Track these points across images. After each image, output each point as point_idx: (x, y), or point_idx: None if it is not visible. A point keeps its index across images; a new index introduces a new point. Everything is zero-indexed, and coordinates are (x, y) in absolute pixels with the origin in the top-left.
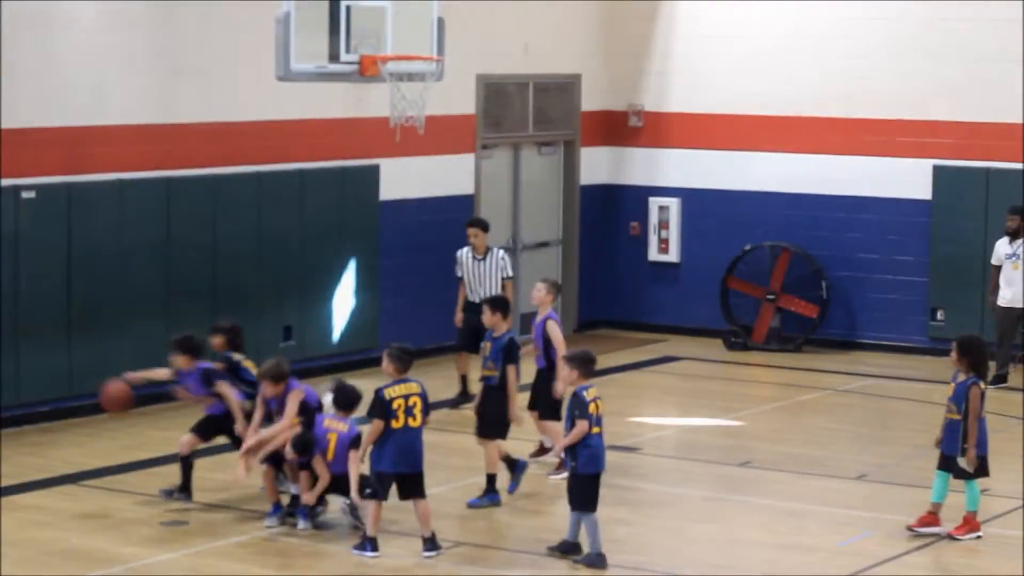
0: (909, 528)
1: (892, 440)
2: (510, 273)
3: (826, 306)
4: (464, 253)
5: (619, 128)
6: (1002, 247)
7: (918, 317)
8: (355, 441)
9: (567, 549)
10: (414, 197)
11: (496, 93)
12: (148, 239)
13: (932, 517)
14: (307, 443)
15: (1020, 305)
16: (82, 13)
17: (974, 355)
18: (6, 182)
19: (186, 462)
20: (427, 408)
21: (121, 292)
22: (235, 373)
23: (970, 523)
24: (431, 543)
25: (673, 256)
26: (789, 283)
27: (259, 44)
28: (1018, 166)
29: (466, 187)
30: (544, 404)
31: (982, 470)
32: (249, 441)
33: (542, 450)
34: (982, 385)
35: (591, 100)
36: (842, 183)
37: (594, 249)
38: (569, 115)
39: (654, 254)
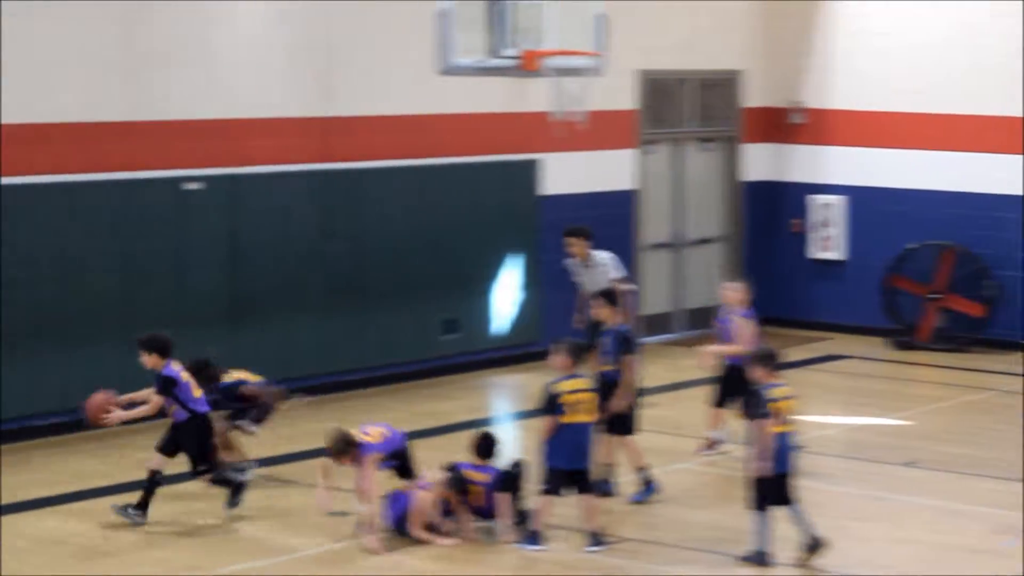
0: None
1: None
2: (619, 274)
3: (992, 306)
4: (571, 263)
5: (781, 125)
6: None
7: None
8: (500, 483)
9: (812, 547)
10: (575, 192)
11: (657, 89)
12: (309, 232)
13: None
14: (461, 482)
15: None
16: (245, 8)
17: None
18: (170, 173)
19: (153, 479)
20: (600, 402)
21: (281, 285)
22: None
23: None
24: (596, 538)
25: (837, 254)
26: (954, 282)
27: (420, 39)
28: None
29: (627, 183)
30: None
31: None
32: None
33: (710, 444)
34: None
35: (753, 96)
36: (1007, 182)
37: (756, 246)
38: (730, 111)
39: (816, 252)
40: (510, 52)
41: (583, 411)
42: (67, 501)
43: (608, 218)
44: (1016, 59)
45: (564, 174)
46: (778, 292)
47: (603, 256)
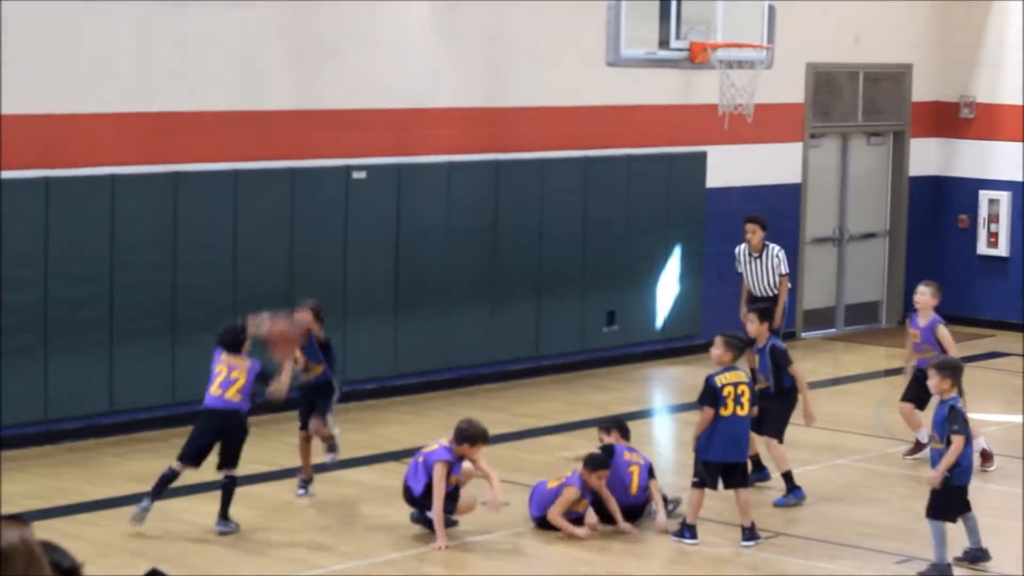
0: None
1: None
2: (785, 270)
3: None
4: (741, 250)
5: (950, 119)
6: None
7: None
8: (650, 470)
9: (974, 558)
10: (741, 185)
11: (825, 82)
12: (474, 222)
13: None
14: (604, 460)
15: None
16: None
17: None
18: (337, 162)
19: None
20: (754, 397)
21: (446, 274)
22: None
23: None
24: (750, 532)
25: (1003, 250)
26: None
27: (590, 29)
28: None
29: (793, 176)
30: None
31: None
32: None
33: (917, 446)
34: None
35: (922, 90)
36: None
37: (921, 241)
38: (899, 105)
39: (983, 248)
40: (679, 44)
41: (741, 404)
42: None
43: (773, 211)
44: None
45: (730, 167)
46: (945, 288)
47: (775, 249)
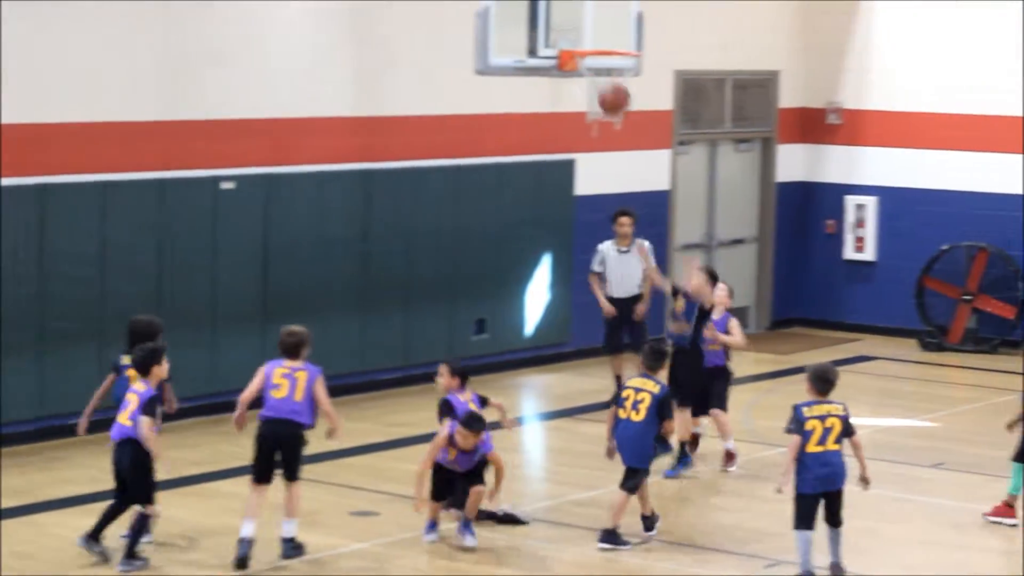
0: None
1: None
2: (652, 264)
3: (1023, 307)
4: (607, 245)
5: (817, 125)
6: None
7: None
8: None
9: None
10: (610, 192)
11: (694, 89)
12: (344, 231)
13: (1008, 508)
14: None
15: None
16: (287, 5)
17: None
18: (205, 173)
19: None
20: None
21: (317, 284)
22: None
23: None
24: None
25: (869, 255)
26: (986, 284)
27: (458, 38)
28: None
29: (662, 183)
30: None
31: None
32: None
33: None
34: None
35: (789, 97)
36: None
37: (789, 246)
38: (766, 112)
39: (850, 252)
40: (548, 52)
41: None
42: None
43: (642, 218)
44: None
45: (599, 174)
46: (811, 293)
47: (644, 244)
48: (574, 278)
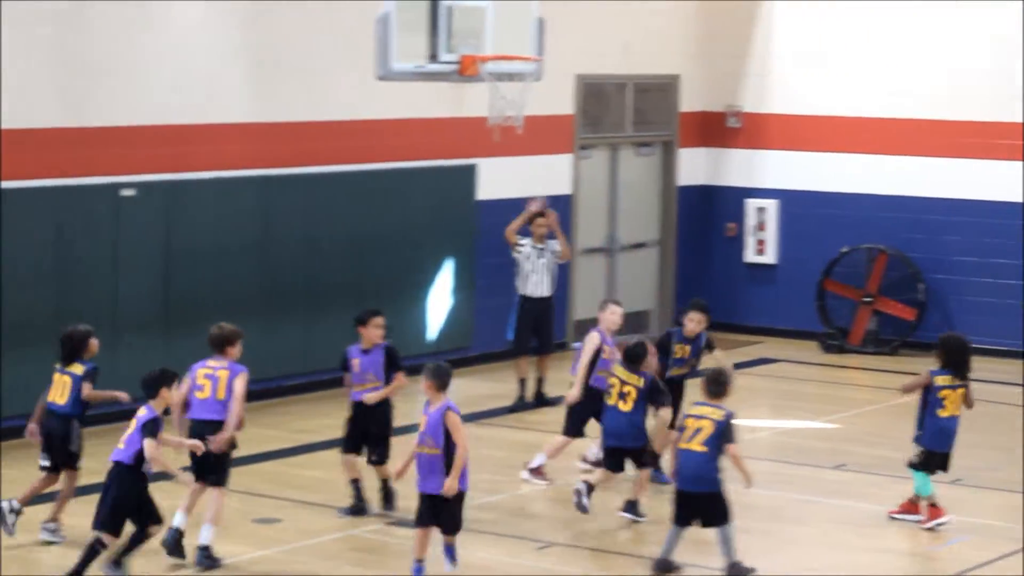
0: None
1: (988, 444)
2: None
3: (923, 309)
4: (528, 248)
5: (717, 129)
6: None
7: (1015, 321)
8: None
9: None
10: (512, 197)
11: (595, 93)
12: (247, 237)
13: (912, 505)
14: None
15: None
16: (184, 11)
17: (948, 353)
18: (105, 180)
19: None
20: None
21: (219, 290)
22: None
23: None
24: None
25: (770, 258)
26: (886, 286)
27: (360, 44)
28: None
29: (564, 187)
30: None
31: (924, 464)
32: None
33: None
34: (937, 380)
35: (690, 101)
36: (940, 185)
37: (691, 250)
38: (667, 116)
39: (751, 255)
40: (449, 57)
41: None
42: None
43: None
44: (947, 63)
45: (501, 179)
46: (712, 296)
47: (553, 243)
48: (476, 283)
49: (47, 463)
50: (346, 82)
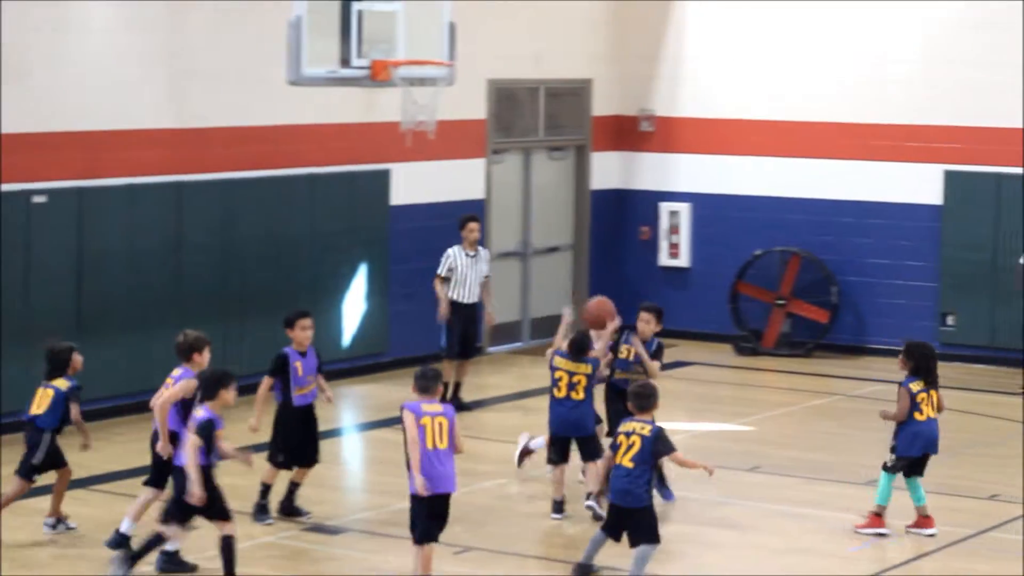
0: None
1: None
2: (487, 269)
3: (836, 311)
4: (456, 250)
5: (630, 133)
6: None
7: (928, 322)
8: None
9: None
10: (425, 202)
11: (507, 98)
12: (160, 244)
13: (877, 519)
14: None
15: None
16: (95, 16)
17: (916, 360)
18: (15, 187)
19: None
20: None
21: (132, 297)
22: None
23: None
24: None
25: (684, 261)
26: (799, 288)
27: (271, 49)
28: None
29: (477, 192)
30: None
31: (896, 468)
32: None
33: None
34: (912, 386)
35: (602, 105)
36: (853, 188)
37: (604, 254)
38: (580, 120)
39: (664, 259)
40: (361, 62)
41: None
42: None
43: (457, 228)
44: (858, 66)
45: (414, 184)
46: (626, 300)
47: (484, 252)
48: (391, 288)
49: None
50: (258, 87)
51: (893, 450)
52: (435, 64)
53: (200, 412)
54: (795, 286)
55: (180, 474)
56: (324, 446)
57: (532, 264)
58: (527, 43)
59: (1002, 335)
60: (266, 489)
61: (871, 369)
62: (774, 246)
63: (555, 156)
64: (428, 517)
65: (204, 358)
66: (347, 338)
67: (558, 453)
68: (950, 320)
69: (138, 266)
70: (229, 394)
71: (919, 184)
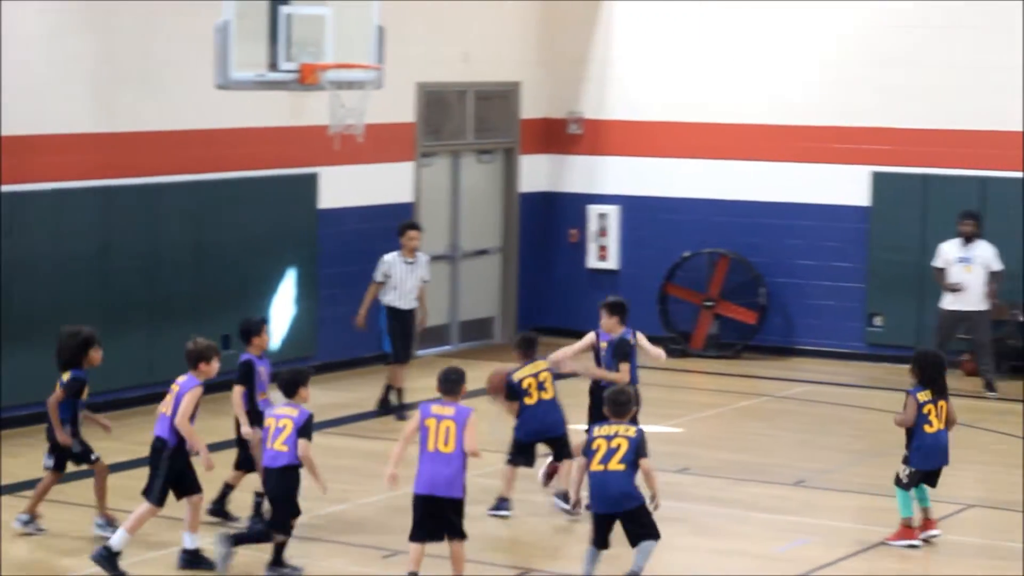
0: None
1: (830, 446)
2: (427, 275)
3: (764, 313)
4: (394, 257)
5: (558, 136)
6: (951, 250)
7: (856, 323)
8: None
9: None
10: (353, 205)
11: (436, 101)
12: (86, 249)
13: (908, 531)
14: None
15: (965, 308)
16: (21, 20)
17: (923, 369)
18: None
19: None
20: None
21: (58, 302)
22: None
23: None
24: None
25: (612, 263)
26: (728, 290)
27: (199, 53)
28: (954, 172)
29: (406, 195)
30: None
31: (911, 483)
32: None
33: None
34: (919, 396)
35: (531, 108)
36: (781, 190)
37: (533, 256)
38: (509, 123)
39: (593, 261)
40: (289, 66)
41: (544, 389)
42: None
43: (387, 231)
44: (785, 68)
45: (343, 187)
46: (555, 302)
47: (424, 257)
48: (319, 292)
49: (50, 462)
50: (186, 91)
51: (906, 461)
52: (363, 67)
53: (295, 412)
54: (724, 288)
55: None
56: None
57: (461, 267)
58: (455, 46)
59: (929, 336)
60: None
61: (799, 370)
62: (703, 248)
63: (484, 159)
64: (420, 516)
65: (212, 368)
66: (276, 342)
67: (528, 457)
68: (877, 321)
69: (65, 272)
70: (307, 391)
71: (847, 186)
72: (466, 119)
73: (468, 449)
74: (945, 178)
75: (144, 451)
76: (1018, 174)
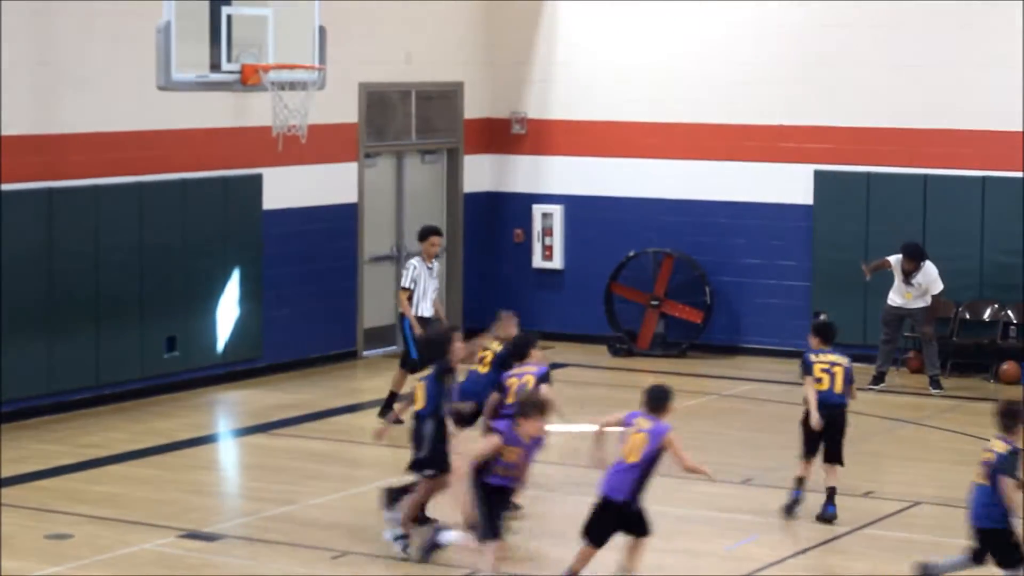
0: None
1: (776, 444)
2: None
3: (710, 311)
4: (418, 262)
5: (502, 136)
6: (896, 287)
7: (801, 321)
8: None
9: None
10: (297, 206)
11: (379, 101)
12: (28, 251)
13: None
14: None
15: (909, 305)
16: None
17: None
18: None
19: None
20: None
21: (1, 305)
22: None
23: None
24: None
25: (557, 263)
26: (673, 289)
27: (140, 53)
28: (897, 170)
29: (349, 196)
30: None
31: None
32: None
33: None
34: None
35: (474, 108)
36: (724, 189)
37: (478, 257)
38: (452, 123)
39: (538, 261)
40: (231, 67)
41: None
42: None
43: (330, 232)
44: (728, 67)
45: (286, 188)
46: (501, 303)
47: (436, 264)
48: (264, 293)
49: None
50: (127, 92)
51: None
52: (306, 68)
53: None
54: (669, 287)
55: None
56: (197, 453)
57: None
58: (398, 46)
59: (873, 333)
60: None
61: (745, 369)
62: (647, 247)
63: (427, 159)
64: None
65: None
66: (221, 344)
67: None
68: (822, 319)
69: (8, 274)
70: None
71: (790, 184)
72: (409, 119)
73: (686, 467)
74: (887, 176)
75: (93, 453)
76: (963, 172)
